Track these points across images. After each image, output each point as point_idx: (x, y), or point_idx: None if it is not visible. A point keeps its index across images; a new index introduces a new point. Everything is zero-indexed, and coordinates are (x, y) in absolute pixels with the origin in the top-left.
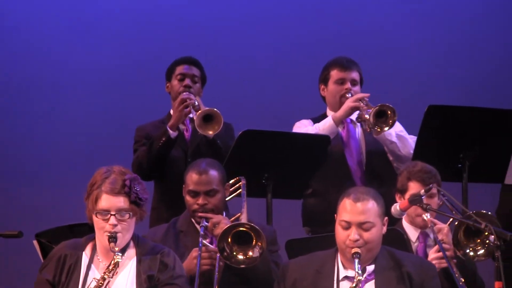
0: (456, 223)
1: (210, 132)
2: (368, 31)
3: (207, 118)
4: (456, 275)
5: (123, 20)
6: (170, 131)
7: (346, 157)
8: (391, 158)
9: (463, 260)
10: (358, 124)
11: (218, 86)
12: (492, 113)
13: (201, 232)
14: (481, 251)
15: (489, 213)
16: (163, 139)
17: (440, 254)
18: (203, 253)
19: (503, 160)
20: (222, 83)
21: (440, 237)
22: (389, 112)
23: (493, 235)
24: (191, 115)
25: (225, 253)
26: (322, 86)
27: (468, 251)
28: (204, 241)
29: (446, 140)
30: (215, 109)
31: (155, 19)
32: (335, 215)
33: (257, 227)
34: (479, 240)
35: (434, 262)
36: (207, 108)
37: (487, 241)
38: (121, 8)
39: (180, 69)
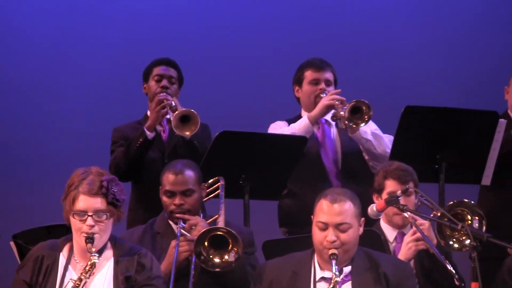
0: (439, 214)
1: (187, 133)
2: (368, 31)
3: (184, 119)
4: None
5: (123, 20)
6: (147, 132)
7: (321, 157)
8: (366, 157)
9: (445, 256)
10: (333, 124)
11: (197, 87)
12: (469, 114)
13: (180, 225)
14: (468, 241)
15: (472, 202)
16: (140, 140)
17: (418, 235)
18: (182, 242)
19: (480, 161)
20: (201, 84)
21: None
22: (364, 108)
23: (469, 236)
24: (168, 116)
25: (202, 257)
26: (297, 88)
27: (452, 242)
28: (182, 231)
29: (423, 141)
30: (192, 110)
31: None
32: (312, 216)
33: (233, 232)
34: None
35: (410, 244)
36: (184, 109)
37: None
38: (121, 9)
39: (157, 70)
